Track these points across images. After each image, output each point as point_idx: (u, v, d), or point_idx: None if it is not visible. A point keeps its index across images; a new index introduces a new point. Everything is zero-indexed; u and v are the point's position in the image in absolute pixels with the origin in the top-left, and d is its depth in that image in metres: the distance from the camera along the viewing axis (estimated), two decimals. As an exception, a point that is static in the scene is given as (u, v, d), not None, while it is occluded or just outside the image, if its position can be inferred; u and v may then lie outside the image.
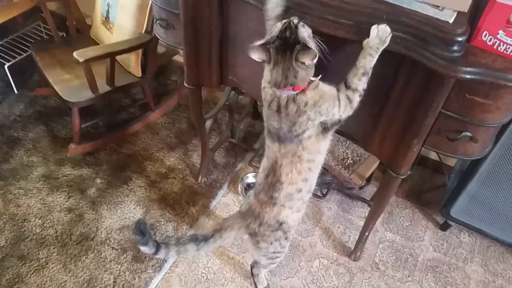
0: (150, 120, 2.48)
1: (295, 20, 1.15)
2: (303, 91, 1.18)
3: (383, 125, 1.40)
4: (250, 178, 2.19)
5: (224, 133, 2.32)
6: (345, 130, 1.55)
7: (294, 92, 1.18)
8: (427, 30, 1.13)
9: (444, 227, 2.02)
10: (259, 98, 1.73)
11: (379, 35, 1.14)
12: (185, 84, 1.75)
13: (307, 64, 1.14)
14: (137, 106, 2.56)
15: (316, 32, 1.20)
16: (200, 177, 2.18)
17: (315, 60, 1.14)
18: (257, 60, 1.20)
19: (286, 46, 1.14)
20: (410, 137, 1.31)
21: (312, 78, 1.20)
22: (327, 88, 1.22)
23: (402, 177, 1.43)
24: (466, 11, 1.14)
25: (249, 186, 2.18)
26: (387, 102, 1.36)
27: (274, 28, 1.17)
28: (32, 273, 1.80)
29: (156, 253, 1.39)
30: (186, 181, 2.20)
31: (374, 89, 1.37)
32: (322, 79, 1.23)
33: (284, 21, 1.16)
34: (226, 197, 2.15)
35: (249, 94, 2.37)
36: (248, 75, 1.68)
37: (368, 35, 1.16)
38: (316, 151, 1.29)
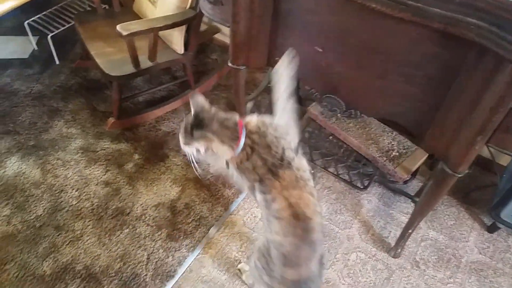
0: (189, 99, 2.44)
1: None
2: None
3: (442, 118, 1.30)
4: (288, 164, 2.13)
5: (264, 116, 2.25)
6: (400, 120, 1.46)
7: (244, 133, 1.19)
8: (505, 16, 1.02)
9: (491, 229, 1.91)
10: (307, 81, 1.66)
11: None
12: (229, 64, 1.69)
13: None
14: (177, 84, 2.52)
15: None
16: (237, 160, 2.13)
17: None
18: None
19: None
20: (473, 133, 1.21)
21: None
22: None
23: (459, 175, 1.34)
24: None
25: (286, 172, 2.12)
26: (449, 92, 1.27)
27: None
28: (67, 244, 1.82)
29: None
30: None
31: (435, 77, 1.28)
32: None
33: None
34: (262, 181, 2.10)
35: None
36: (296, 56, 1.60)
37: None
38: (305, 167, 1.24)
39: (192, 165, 1.29)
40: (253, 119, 1.25)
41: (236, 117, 1.25)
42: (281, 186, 1.19)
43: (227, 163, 1.31)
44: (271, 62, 1.70)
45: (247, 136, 1.21)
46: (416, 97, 1.35)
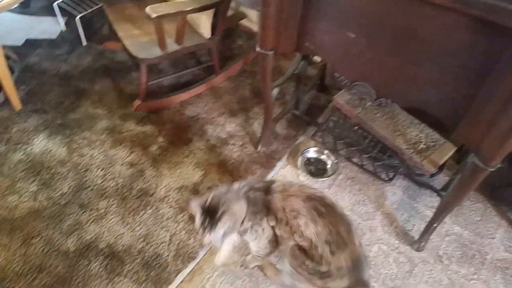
0: (214, 84, 2.44)
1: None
2: None
3: (478, 108, 1.27)
4: (311, 153, 2.12)
5: (288, 104, 2.24)
6: (432, 110, 1.43)
7: None
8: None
9: (519, 227, 1.87)
10: (337, 68, 1.63)
11: None
12: (257, 49, 1.68)
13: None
14: (202, 68, 2.52)
15: None
16: (260, 146, 2.13)
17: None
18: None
19: None
20: (509, 125, 1.17)
21: None
22: None
23: (491, 169, 1.30)
24: None
25: (309, 161, 2.11)
26: (486, 83, 1.23)
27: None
28: (92, 222, 1.85)
29: None
30: (246, 149, 2.15)
31: (471, 67, 1.24)
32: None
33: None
34: (284, 169, 2.09)
35: (321, 65, 2.27)
36: (327, 43, 1.58)
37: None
38: None
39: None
40: None
41: None
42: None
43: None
44: (300, 48, 1.68)
45: None
46: (451, 86, 1.32)
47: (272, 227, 1.36)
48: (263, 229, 1.36)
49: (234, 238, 1.44)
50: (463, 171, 1.60)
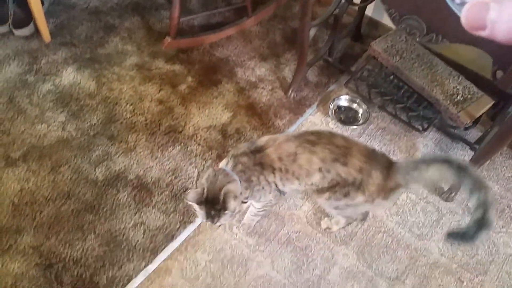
0: (245, 27, 2.38)
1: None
2: None
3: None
4: (342, 101, 2.08)
5: (322, 50, 2.18)
6: (484, 48, 1.37)
7: None
8: None
9: (551, 185, 1.84)
10: (387, 1, 1.55)
11: None
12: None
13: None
14: (233, 10, 2.45)
15: None
16: (290, 91, 2.09)
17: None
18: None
19: None
20: None
21: None
22: None
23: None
24: None
25: (340, 109, 2.07)
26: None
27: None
28: (120, 154, 1.85)
29: None
30: (275, 94, 2.12)
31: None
32: None
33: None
34: (314, 116, 2.06)
35: (360, 8, 2.19)
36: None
37: None
38: None
39: None
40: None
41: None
42: None
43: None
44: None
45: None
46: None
47: (273, 181, 1.34)
48: (263, 187, 1.34)
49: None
50: (502, 122, 1.56)
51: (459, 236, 1.11)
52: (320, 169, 1.29)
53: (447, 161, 1.14)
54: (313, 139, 1.31)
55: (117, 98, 2.03)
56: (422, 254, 1.64)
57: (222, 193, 1.24)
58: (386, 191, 1.31)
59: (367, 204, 1.36)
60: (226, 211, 1.25)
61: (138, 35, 2.30)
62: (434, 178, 1.20)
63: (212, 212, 1.27)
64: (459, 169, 1.11)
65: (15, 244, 1.59)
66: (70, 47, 2.22)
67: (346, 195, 1.32)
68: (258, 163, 1.29)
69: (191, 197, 1.26)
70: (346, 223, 1.63)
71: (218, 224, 1.32)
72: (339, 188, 1.31)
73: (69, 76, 2.10)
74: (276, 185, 1.35)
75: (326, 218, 1.70)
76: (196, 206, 1.28)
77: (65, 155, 1.83)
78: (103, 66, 2.15)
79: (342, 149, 1.29)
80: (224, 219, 1.30)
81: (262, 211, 1.54)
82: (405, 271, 1.60)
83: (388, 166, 1.30)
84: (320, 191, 1.38)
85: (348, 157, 1.29)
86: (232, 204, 1.25)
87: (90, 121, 1.94)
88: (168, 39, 2.19)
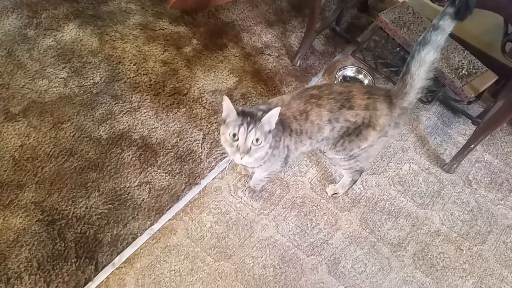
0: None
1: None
2: None
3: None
4: (348, 71, 2.07)
5: (331, 17, 2.15)
6: (502, 13, 1.37)
7: None
8: None
9: (548, 161, 1.88)
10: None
11: None
12: None
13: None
14: (240, -26, 2.40)
15: None
16: (297, 58, 2.07)
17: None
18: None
19: None
20: None
21: None
22: None
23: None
24: None
25: (345, 79, 2.07)
26: None
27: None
28: (124, 113, 1.82)
29: None
30: (281, 61, 2.10)
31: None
32: None
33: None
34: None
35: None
36: None
37: None
38: None
39: None
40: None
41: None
42: None
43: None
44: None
45: None
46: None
47: (287, 145, 1.35)
48: (279, 153, 1.35)
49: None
50: (508, 95, 1.58)
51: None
52: (329, 121, 1.31)
53: (413, 56, 1.24)
54: (316, 93, 1.32)
55: (120, 57, 1.98)
56: (423, 223, 1.68)
57: (260, 110, 1.23)
58: (395, 118, 1.33)
59: (382, 140, 1.38)
60: (262, 124, 1.19)
61: (142, -6, 2.23)
62: (423, 77, 1.28)
63: (248, 119, 1.19)
64: (424, 47, 1.23)
65: (16, 199, 1.57)
66: (71, 2, 2.14)
67: (358, 134, 1.34)
68: (279, 120, 1.28)
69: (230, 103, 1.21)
70: (351, 183, 1.64)
71: (246, 158, 1.22)
72: (351, 131, 1.34)
73: (71, 32, 2.03)
74: (288, 149, 1.35)
75: (330, 185, 1.71)
76: (231, 108, 1.22)
77: (67, 112, 1.79)
78: (106, 24, 2.08)
79: (344, 94, 1.31)
80: (255, 150, 1.22)
81: (267, 177, 1.55)
82: (406, 238, 1.63)
83: (388, 95, 1.32)
84: (332, 144, 1.40)
85: (351, 100, 1.31)
86: (269, 120, 1.20)
87: (93, 79, 1.90)
88: (173, -1, 2.13)
